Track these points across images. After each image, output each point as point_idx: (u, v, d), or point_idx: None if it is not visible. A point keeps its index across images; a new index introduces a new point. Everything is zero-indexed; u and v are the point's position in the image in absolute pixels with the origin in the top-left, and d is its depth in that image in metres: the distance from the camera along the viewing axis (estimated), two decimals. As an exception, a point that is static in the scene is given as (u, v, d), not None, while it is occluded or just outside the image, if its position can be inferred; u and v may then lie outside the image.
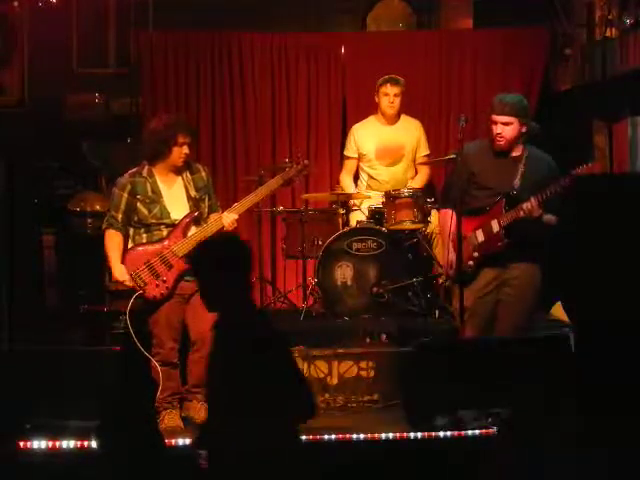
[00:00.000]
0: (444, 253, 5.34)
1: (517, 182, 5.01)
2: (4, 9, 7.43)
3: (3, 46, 7.61)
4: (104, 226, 5.20)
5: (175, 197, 5.17)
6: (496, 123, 5.01)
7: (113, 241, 5.16)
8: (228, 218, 5.19)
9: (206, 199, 5.27)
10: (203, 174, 5.30)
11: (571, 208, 4.86)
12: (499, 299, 5.09)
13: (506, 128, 4.99)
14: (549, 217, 4.96)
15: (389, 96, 6.75)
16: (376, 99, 6.82)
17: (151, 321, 5.13)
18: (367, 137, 6.91)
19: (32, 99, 7.63)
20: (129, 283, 5.07)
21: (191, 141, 5.17)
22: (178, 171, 5.20)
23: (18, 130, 7.11)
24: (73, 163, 7.59)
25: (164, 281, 5.07)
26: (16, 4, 7.36)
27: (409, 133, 6.93)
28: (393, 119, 6.88)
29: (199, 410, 5.16)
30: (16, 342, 5.64)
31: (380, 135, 6.89)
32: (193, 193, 5.20)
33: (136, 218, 5.14)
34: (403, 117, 6.94)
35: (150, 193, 5.13)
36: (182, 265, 5.08)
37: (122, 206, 5.13)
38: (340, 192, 6.80)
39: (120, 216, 5.13)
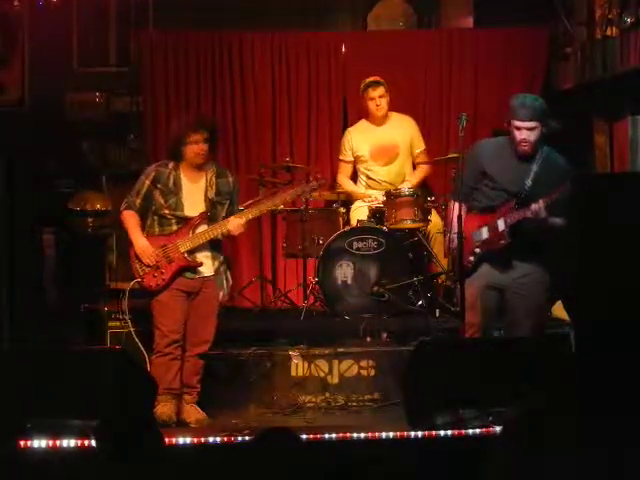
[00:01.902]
0: (445, 240, 5.33)
1: (529, 182, 4.94)
2: (4, 8, 7.40)
3: (3, 45, 7.59)
4: (122, 207, 5.31)
5: (193, 194, 5.25)
6: (520, 129, 4.86)
7: (131, 220, 5.25)
8: (234, 222, 5.24)
9: (226, 204, 5.31)
10: (230, 179, 5.38)
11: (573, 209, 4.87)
12: (509, 299, 5.08)
13: (531, 133, 4.86)
14: (555, 220, 4.94)
15: (375, 99, 6.84)
16: (364, 104, 6.87)
17: (154, 314, 5.21)
18: (361, 140, 6.97)
19: (32, 98, 7.61)
20: (149, 260, 5.15)
21: (207, 137, 5.21)
22: (201, 170, 5.27)
23: (18, 130, 7.10)
24: (73, 163, 7.58)
25: (162, 273, 5.17)
26: (16, 3, 7.33)
27: (401, 131, 6.97)
28: (383, 120, 6.93)
29: (189, 412, 5.23)
30: (16, 342, 5.63)
31: (373, 136, 6.95)
32: (211, 195, 5.26)
33: (153, 207, 5.24)
34: (394, 115, 6.98)
35: (171, 185, 5.23)
36: (182, 261, 5.19)
37: (142, 192, 5.24)
38: (341, 191, 6.83)
39: (138, 201, 5.24)
